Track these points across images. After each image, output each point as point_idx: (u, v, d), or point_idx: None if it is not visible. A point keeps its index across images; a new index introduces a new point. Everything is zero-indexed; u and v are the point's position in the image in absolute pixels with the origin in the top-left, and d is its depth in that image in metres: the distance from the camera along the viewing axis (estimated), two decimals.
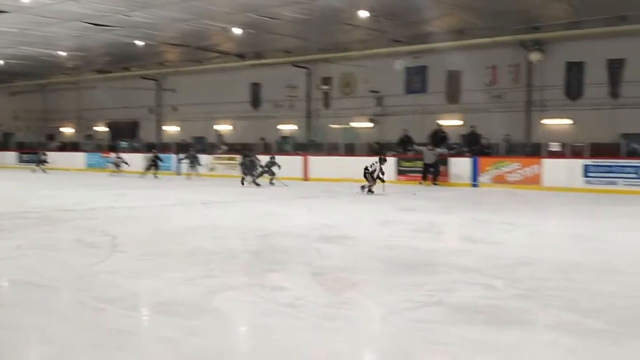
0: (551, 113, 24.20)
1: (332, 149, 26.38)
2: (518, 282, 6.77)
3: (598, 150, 20.43)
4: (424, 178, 22.50)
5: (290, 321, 5.28)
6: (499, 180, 21.09)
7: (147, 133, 37.42)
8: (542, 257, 8.27)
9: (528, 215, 13.32)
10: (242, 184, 21.49)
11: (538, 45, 23.87)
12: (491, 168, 21.45)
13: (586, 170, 19.60)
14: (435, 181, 22.27)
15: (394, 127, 26.39)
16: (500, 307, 5.78)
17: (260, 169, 21.63)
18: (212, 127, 33.93)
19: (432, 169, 22.41)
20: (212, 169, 27.80)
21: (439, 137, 24.03)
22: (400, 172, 23.64)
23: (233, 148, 29.30)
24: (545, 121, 24.35)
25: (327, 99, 30.48)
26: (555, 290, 6.39)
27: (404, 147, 24.75)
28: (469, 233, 10.76)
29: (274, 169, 21.77)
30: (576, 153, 20.92)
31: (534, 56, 23.96)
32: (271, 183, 21.61)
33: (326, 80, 30.25)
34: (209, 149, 30.69)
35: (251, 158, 22.03)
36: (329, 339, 4.83)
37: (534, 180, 20.28)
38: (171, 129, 36.83)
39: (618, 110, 22.21)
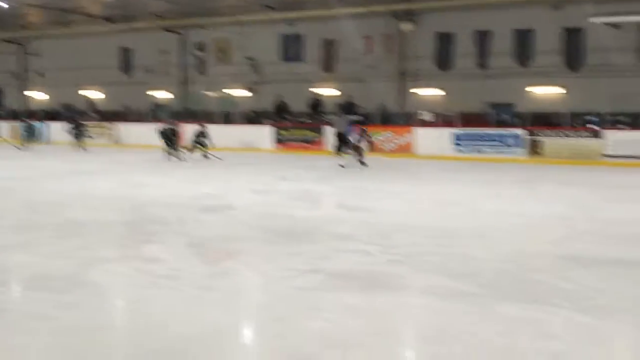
0: (422, 82, 24.90)
1: (208, 118, 26.00)
2: (393, 248, 6.99)
3: (468, 119, 21.26)
4: (339, 150, 19.34)
5: (168, 293, 5.22)
6: (374, 148, 21.52)
7: (11, 100, 35.47)
8: (416, 224, 8.56)
9: (402, 183, 13.70)
10: (169, 158, 19.11)
11: (410, 16, 24.42)
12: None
13: (456, 138, 20.40)
14: (361, 158, 17.97)
15: (271, 95, 26.32)
16: (376, 272, 5.97)
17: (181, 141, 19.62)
18: (81, 93, 32.59)
19: (345, 140, 19.55)
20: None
21: (315, 106, 24.23)
22: (279, 141, 23.70)
23: (104, 115, 28.31)
24: (417, 90, 25.02)
25: (202, 66, 29.93)
26: (428, 256, 6.65)
27: (279, 114, 24.75)
28: (347, 201, 10.94)
29: (206, 140, 19.71)
30: (447, 122, 21.68)
31: (405, 26, 24.49)
32: (205, 157, 19.41)
33: (200, 46, 29.67)
34: (79, 116, 29.49)
35: (172, 127, 19.89)
36: (207, 310, 4.82)
37: (407, 148, 20.87)
38: (37, 96, 35.07)
39: (486, 80, 23.13)
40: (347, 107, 23.84)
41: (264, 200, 10.94)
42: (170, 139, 19.61)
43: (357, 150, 17.55)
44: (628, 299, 5.23)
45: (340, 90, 25.65)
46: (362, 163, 17.14)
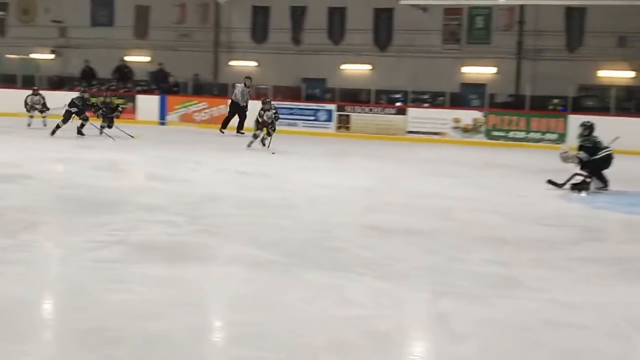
0: (238, 55, 24.83)
1: (8, 81, 24.19)
2: (201, 218, 6.92)
3: (281, 93, 21.46)
4: (225, 125, 18.41)
5: None
6: (187, 119, 21.19)
7: None
8: (225, 194, 8.53)
9: (214, 155, 13.59)
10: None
11: None
12: (179, 107, 21.44)
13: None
14: (240, 129, 18.14)
15: (78, 60, 24.97)
16: (182, 243, 5.88)
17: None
18: None
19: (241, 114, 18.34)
20: None
21: (123, 73, 23.35)
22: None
23: None
24: (232, 62, 24.91)
25: (2, 27, 27.82)
26: (235, 226, 6.66)
27: (87, 80, 23.58)
28: (155, 171, 10.68)
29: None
30: (261, 95, 21.75)
31: None
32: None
33: (2, 6, 27.52)
34: None
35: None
36: (5, 284, 4.53)
37: (220, 120, 20.68)
38: None
39: (299, 55, 23.48)
40: (159, 76, 23.24)
41: (67, 169, 10.43)
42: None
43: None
44: (422, 266, 5.54)
45: (152, 59, 24.90)
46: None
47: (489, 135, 18.54)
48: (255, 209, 7.61)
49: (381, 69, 22.61)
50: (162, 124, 21.19)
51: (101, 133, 15.48)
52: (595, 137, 9.71)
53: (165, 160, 12.08)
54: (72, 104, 15.37)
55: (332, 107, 20.24)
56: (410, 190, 9.79)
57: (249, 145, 14.05)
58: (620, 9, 19.25)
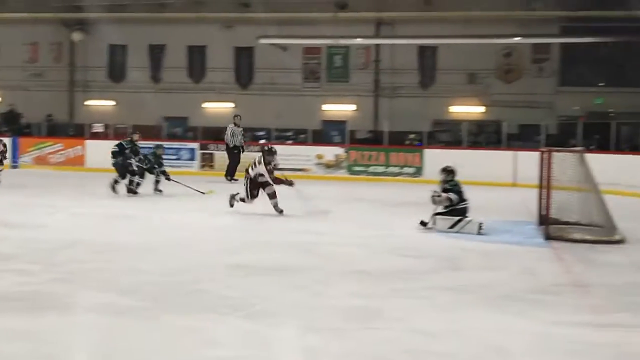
0: (95, 94, 24.18)
1: None
2: (57, 266, 6.64)
3: (142, 131, 20.96)
4: (230, 172, 16.96)
5: None
6: (42, 161, 20.30)
7: None
8: (82, 239, 8.19)
9: (70, 197, 13.04)
10: None
11: (81, 25, 23.58)
12: (33, 149, 20.52)
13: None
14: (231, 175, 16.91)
15: None
16: (38, 292, 5.63)
17: None
18: None
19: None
20: None
21: None
22: None
23: None
24: (89, 102, 24.22)
25: None
26: (93, 272, 6.43)
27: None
28: (7, 218, 10.09)
29: None
30: (120, 134, 21.22)
31: (76, 36, 23.63)
32: None
33: None
34: None
35: None
36: None
37: (77, 161, 20.02)
38: None
39: (160, 94, 23.16)
40: (9, 117, 22.20)
41: None
42: None
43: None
44: (287, 302, 5.56)
45: (2, 99, 23.77)
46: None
47: (350, 170, 18.96)
48: (115, 253, 7.39)
49: (243, 107, 22.71)
50: (15, 167, 20.17)
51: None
52: (458, 181, 9.78)
53: (18, 206, 11.45)
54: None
55: (195, 145, 20.06)
56: (272, 227, 9.83)
57: (231, 205, 10.99)
58: (469, 47, 20.48)
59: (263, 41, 21.27)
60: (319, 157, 19.23)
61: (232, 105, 22.94)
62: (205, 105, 23.36)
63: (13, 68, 23.72)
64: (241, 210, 10.83)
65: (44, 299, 5.43)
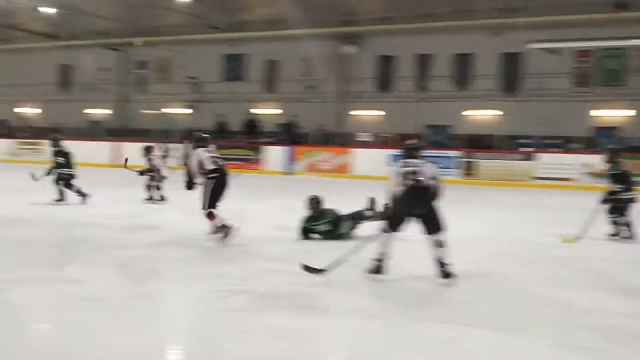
0: (362, 104, 25.17)
1: (145, 135, 25.64)
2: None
3: (404, 140, 21.43)
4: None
5: (90, 315, 5.07)
6: (312, 168, 21.63)
7: None
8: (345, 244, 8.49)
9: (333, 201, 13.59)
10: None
11: (352, 39, 24.70)
12: (305, 157, 21.94)
13: (394, 159, 20.58)
14: None
15: (211, 114, 26.18)
16: (302, 293, 5.93)
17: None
18: (15, 109, 31.94)
19: None
20: (13, 155, 26.16)
21: (252, 126, 24.33)
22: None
23: (39, 132, 27.75)
24: (356, 112, 25.27)
25: (142, 84, 29.68)
26: (355, 277, 6.62)
27: (220, 134, 24.64)
28: (280, 221, 10.77)
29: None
30: (384, 143, 21.91)
31: (348, 49, 24.78)
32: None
33: (141, 65, 29.44)
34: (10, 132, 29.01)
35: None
36: (130, 332, 4.70)
37: (344, 169, 21.01)
38: None
39: (424, 103, 23.49)
40: (288, 128, 23.92)
41: (192, 219, 10.75)
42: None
43: None
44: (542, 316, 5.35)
45: (281, 111, 25.70)
46: None
47: None
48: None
49: (508, 114, 22.25)
50: (289, 173, 21.70)
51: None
52: None
53: (290, 210, 12.19)
54: None
55: (455, 153, 20.03)
56: (527, 238, 9.50)
57: None
58: None
59: (533, 46, 20.62)
60: (587, 165, 18.16)
61: (496, 112, 22.55)
62: (468, 112, 23.20)
63: (292, 82, 25.51)
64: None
65: (306, 299, 5.73)
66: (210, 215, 8.17)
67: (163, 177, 12.91)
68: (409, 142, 7.05)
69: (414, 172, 6.49)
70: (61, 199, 12.31)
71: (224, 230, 8.13)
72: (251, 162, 23.00)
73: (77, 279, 6.22)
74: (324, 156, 21.70)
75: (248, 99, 26.17)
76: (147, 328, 4.84)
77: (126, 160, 13.56)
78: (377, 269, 6.35)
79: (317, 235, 8.89)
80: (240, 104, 25.84)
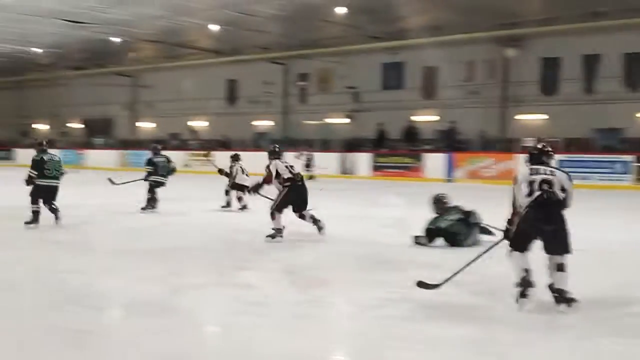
0: (526, 108, 24.40)
1: (307, 145, 26.33)
2: (478, 282, 6.75)
3: (571, 145, 20.63)
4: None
5: (257, 320, 5.26)
6: (474, 175, 21.22)
7: (122, 130, 37.34)
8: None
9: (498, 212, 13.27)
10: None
11: (513, 41, 24.04)
12: (466, 163, 21.57)
13: (560, 165, 19.74)
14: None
15: (370, 123, 26.44)
16: (459, 302, 5.83)
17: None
18: (187, 123, 33.92)
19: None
20: (186, 166, 27.70)
21: (411, 133, 24.30)
22: (376, 168, 23.79)
23: (208, 144, 29.34)
24: (520, 116, 24.54)
25: (303, 95, 30.50)
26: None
27: (380, 142, 24.86)
28: None
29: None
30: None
31: (510, 52, 24.15)
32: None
33: (303, 77, 30.27)
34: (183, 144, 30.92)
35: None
36: (299, 338, 4.83)
37: (507, 175, 20.41)
38: (146, 126, 36.69)
39: (592, 105, 22.40)
40: (449, 134, 23.67)
41: (357, 226, 10.89)
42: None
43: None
44: None
45: (439, 117, 25.47)
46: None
47: None
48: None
49: None
50: (449, 181, 21.43)
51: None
52: None
53: None
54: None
55: (629, 158, 18.90)
56: None
57: None
58: None
59: None
60: None
61: None
62: None
63: (451, 87, 25.22)
64: None
65: (463, 309, 5.63)
66: (273, 215, 9.10)
67: (244, 187, 12.80)
68: (538, 144, 6.11)
69: (547, 182, 5.59)
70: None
71: (277, 232, 9.05)
72: (412, 170, 22.95)
73: (244, 283, 6.48)
74: (486, 162, 21.22)
75: (407, 107, 26.15)
76: (310, 334, 4.94)
77: (208, 153, 13.79)
78: (523, 294, 5.49)
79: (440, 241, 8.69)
80: (399, 112, 25.87)
